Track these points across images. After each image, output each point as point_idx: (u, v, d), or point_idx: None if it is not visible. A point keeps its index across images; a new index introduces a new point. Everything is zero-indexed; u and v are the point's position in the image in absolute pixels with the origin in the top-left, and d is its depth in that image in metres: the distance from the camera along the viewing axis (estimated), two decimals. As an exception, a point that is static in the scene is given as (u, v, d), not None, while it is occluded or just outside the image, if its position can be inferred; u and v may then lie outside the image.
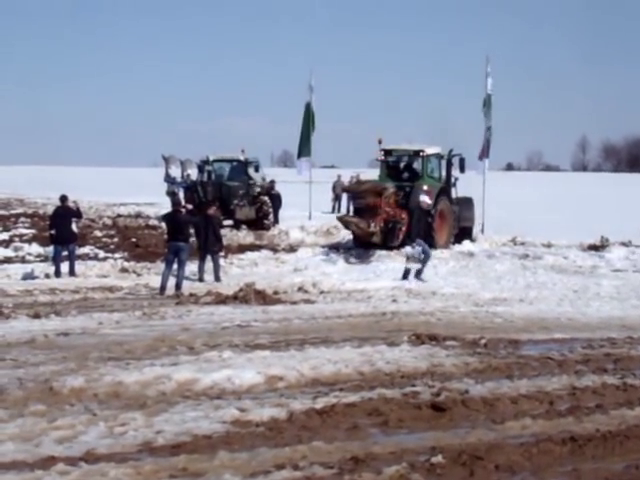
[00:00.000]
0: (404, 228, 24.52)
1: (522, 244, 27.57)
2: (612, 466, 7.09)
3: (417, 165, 26.69)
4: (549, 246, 26.85)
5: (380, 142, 26.77)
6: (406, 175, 26.51)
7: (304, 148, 35.90)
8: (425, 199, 21.81)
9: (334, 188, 43.42)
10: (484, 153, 30.40)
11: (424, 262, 20.39)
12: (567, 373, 10.27)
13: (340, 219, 26.19)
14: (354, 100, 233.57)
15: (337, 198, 42.92)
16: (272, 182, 34.98)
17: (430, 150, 26.38)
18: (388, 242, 24.54)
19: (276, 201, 34.28)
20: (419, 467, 6.83)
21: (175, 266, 18.36)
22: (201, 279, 19.96)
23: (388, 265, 22.77)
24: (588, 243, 26.22)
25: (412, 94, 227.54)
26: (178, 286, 18.09)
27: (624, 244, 26.33)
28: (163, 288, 17.96)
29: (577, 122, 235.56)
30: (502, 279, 20.27)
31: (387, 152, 26.59)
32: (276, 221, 33.84)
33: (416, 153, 26.41)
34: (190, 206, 22.74)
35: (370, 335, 12.67)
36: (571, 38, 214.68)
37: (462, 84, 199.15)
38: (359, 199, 25.31)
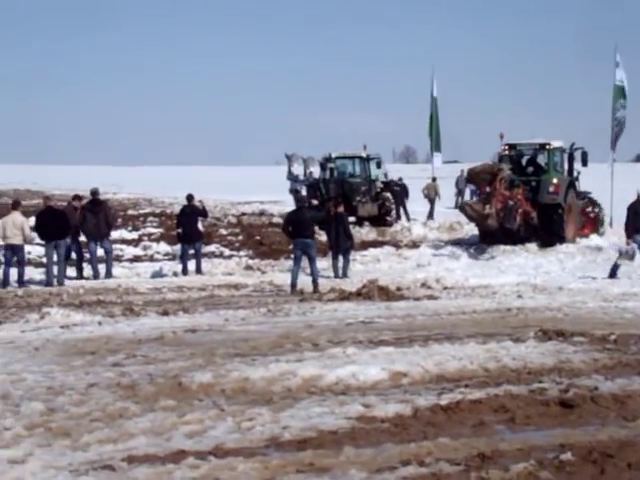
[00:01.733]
0: (521, 210, 24.14)
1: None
2: None
3: (542, 159, 26.29)
4: (681, 239, 26.02)
5: (502, 137, 26.49)
6: (531, 169, 26.14)
7: (435, 143, 36.03)
8: None
9: (457, 183, 43.07)
10: (613, 145, 29.76)
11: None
12: (702, 370, 9.94)
13: (459, 207, 26.01)
14: (477, 94, 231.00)
15: (460, 193, 42.54)
16: (400, 179, 35.27)
17: (555, 144, 25.97)
18: (505, 224, 24.07)
19: (402, 195, 34.44)
20: (547, 464, 6.70)
21: (303, 263, 18.49)
22: (337, 276, 20.09)
23: (512, 260, 22.51)
24: None
25: (537, 85, 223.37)
26: (315, 283, 18.14)
27: None
28: (294, 286, 18.06)
29: None
30: (632, 273, 19.75)
31: (511, 146, 26.25)
32: (402, 216, 33.83)
33: (542, 147, 26.02)
34: (315, 202, 22.85)
35: (495, 331, 12.52)
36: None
37: (592, 75, 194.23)
38: (476, 184, 25.05)
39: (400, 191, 34.54)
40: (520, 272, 20.24)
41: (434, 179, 37.28)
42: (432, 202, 36.84)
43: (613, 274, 19.35)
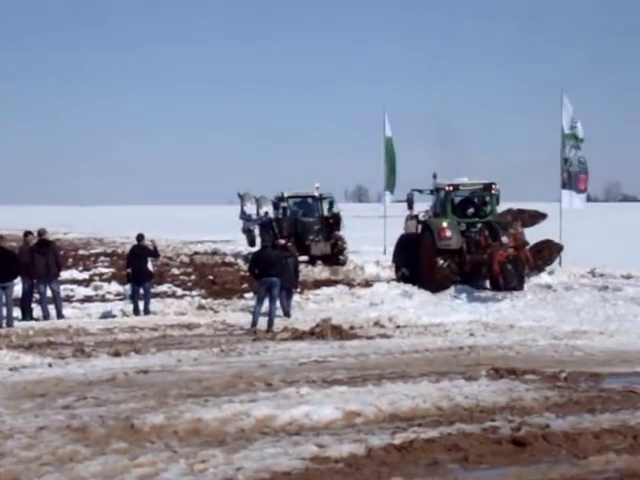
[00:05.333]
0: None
1: (601, 276, 27.13)
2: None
3: (484, 200, 25.75)
4: (629, 277, 26.39)
5: (435, 177, 26.22)
6: (471, 211, 25.63)
7: (387, 182, 36.21)
8: None
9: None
10: (567, 185, 29.72)
11: None
12: (651, 407, 10.05)
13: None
14: (429, 132, 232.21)
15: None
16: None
17: (496, 185, 25.60)
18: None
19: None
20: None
21: (266, 303, 18.49)
22: (287, 314, 19.95)
23: (464, 298, 22.61)
24: (669, 273, 25.74)
25: (485, 128, 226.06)
26: (271, 322, 18.10)
27: None
28: (255, 324, 18.09)
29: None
30: (581, 311, 19.94)
31: (455, 187, 25.63)
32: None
33: (486, 188, 25.53)
34: (282, 241, 22.86)
35: (448, 370, 12.57)
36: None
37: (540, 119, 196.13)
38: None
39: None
40: (472, 310, 20.35)
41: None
42: None
43: None
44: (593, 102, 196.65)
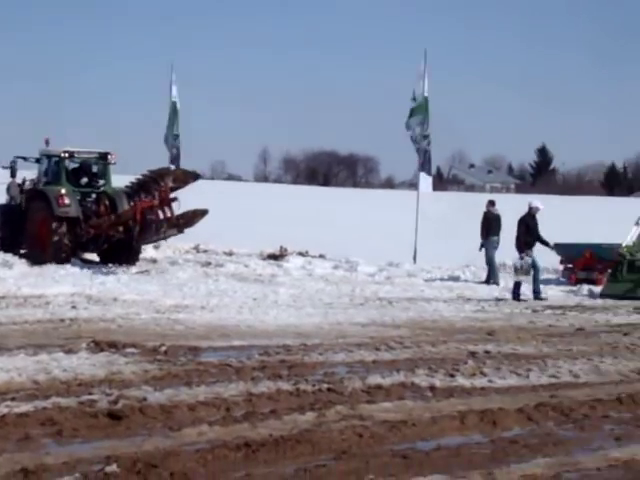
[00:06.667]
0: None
1: (205, 252, 28.02)
2: (283, 470, 7.30)
3: (99, 169, 25.51)
4: (231, 254, 27.48)
5: (47, 142, 25.60)
6: (85, 180, 25.24)
7: None
8: (538, 204, 20.22)
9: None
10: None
11: (537, 276, 19.49)
12: (244, 380, 10.48)
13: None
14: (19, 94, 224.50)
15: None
16: None
17: (114, 154, 25.47)
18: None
19: None
20: (92, 477, 6.69)
21: None
22: None
23: (68, 270, 22.27)
24: (268, 252, 27.10)
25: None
26: None
27: (301, 254, 27.47)
28: None
29: (259, 134, 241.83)
30: (184, 286, 20.39)
31: (70, 154, 25.14)
32: None
33: (102, 157, 25.33)
34: None
35: (47, 342, 12.29)
36: (260, 54, 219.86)
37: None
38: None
39: None
40: (75, 282, 20.03)
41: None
42: None
43: (516, 295, 19.20)
44: (203, 79, 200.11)
